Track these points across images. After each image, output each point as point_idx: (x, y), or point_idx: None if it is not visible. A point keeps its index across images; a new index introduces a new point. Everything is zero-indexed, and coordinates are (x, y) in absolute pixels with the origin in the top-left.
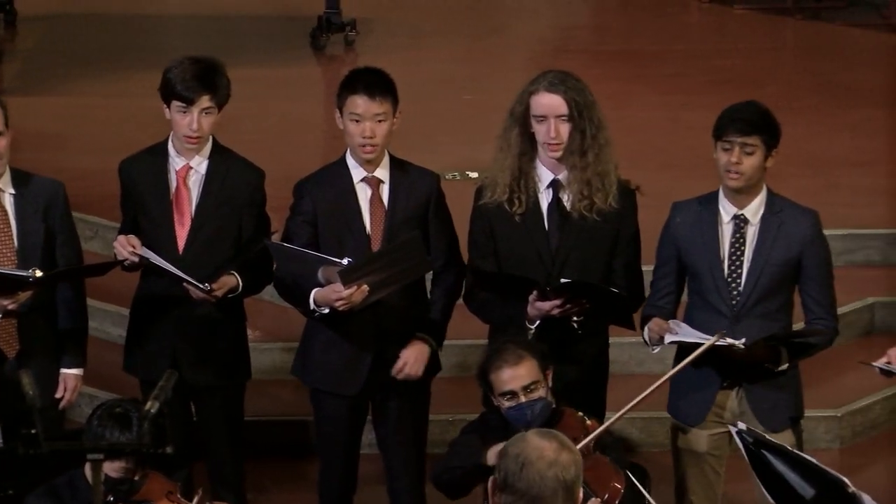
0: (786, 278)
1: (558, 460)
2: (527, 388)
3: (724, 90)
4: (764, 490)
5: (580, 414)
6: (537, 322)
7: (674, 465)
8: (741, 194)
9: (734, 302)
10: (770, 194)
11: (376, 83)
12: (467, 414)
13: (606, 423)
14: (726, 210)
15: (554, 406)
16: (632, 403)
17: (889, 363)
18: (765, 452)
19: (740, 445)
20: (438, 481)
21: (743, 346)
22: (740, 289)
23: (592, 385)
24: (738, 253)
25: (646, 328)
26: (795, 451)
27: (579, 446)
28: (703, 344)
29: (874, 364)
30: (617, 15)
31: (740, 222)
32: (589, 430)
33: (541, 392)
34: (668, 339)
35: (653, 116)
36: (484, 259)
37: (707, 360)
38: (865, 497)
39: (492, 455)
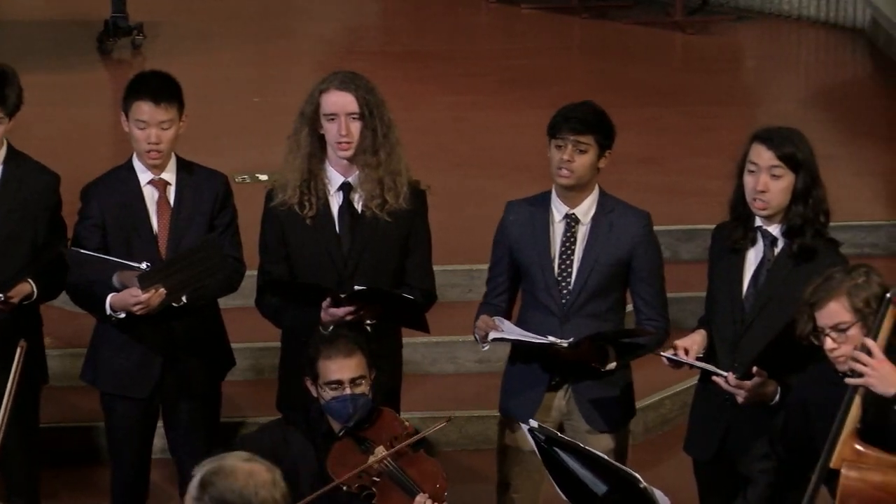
0: (616, 278)
1: (275, 480)
2: (353, 381)
3: (512, 90)
4: (557, 487)
5: (397, 414)
6: (331, 328)
7: (497, 462)
8: (573, 193)
9: (564, 301)
10: (602, 194)
11: (161, 89)
12: (260, 417)
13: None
14: (558, 209)
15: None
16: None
17: (676, 354)
18: (556, 450)
19: (532, 443)
20: None
21: (567, 345)
22: (570, 288)
23: (386, 386)
24: (569, 252)
25: (475, 326)
26: (587, 448)
27: (395, 448)
28: (529, 341)
29: (662, 354)
30: (405, 16)
31: (571, 222)
32: (407, 429)
33: (364, 388)
34: (491, 335)
35: (442, 117)
36: (275, 264)
37: (535, 359)
38: (657, 492)
39: None
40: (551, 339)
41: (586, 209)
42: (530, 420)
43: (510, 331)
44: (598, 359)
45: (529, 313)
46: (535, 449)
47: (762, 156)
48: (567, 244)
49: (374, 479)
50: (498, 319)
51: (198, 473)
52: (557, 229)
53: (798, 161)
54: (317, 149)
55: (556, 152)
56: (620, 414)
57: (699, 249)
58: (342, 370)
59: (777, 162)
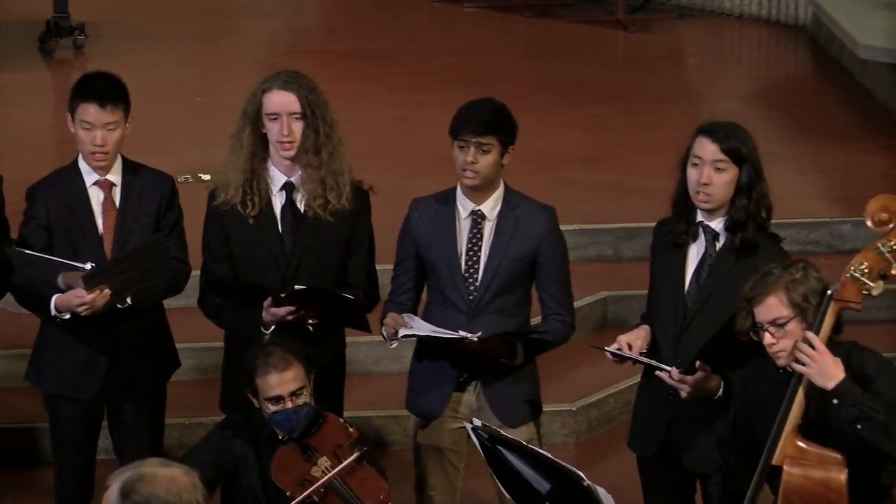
0: (522, 274)
1: (195, 483)
2: (294, 394)
3: (455, 88)
4: (500, 486)
5: (342, 420)
6: (272, 327)
7: (414, 460)
8: (478, 191)
9: (471, 297)
10: (507, 190)
11: (108, 91)
12: (204, 417)
13: (342, 466)
14: (464, 206)
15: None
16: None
17: (619, 349)
18: (500, 448)
19: (476, 442)
20: None
21: (476, 340)
22: (477, 284)
23: (330, 386)
24: (476, 249)
25: (383, 324)
26: (531, 446)
27: (341, 467)
28: (440, 337)
29: (606, 349)
30: (348, 15)
31: (478, 218)
32: (351, 436)
33: (305, 397)
34: (401, 332)
35: (385, 116)
36: (218, 263)
37: (443, 356)
38: (601, 490)
39: None
40: (462, 333)
41: (492, 205)
42: (473, 419)
43: (420, 327)
44: (507, 354)
45: (436, 310)
46: (479, 448)
47: (706, 149)
48: (473, 241)
49: (319, 489)
50: (408, 316)
51: (115, 482)
52: (464, 226)
53: (742, 155)
54: (259, 148)
55: (460, 153)
56: (530, 408)
57: (642, 248)
58: (281, 385)
59: (721, 155)
